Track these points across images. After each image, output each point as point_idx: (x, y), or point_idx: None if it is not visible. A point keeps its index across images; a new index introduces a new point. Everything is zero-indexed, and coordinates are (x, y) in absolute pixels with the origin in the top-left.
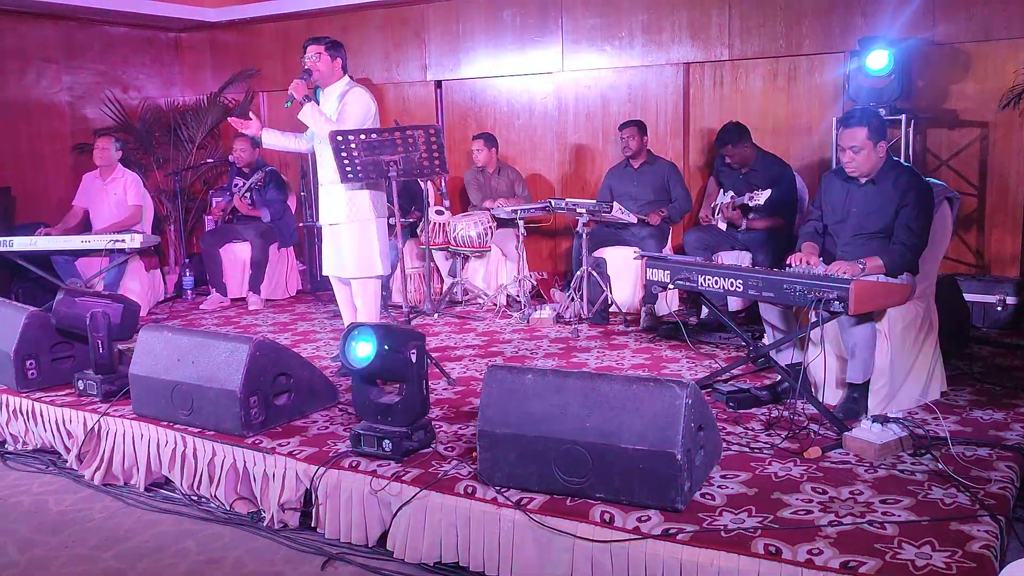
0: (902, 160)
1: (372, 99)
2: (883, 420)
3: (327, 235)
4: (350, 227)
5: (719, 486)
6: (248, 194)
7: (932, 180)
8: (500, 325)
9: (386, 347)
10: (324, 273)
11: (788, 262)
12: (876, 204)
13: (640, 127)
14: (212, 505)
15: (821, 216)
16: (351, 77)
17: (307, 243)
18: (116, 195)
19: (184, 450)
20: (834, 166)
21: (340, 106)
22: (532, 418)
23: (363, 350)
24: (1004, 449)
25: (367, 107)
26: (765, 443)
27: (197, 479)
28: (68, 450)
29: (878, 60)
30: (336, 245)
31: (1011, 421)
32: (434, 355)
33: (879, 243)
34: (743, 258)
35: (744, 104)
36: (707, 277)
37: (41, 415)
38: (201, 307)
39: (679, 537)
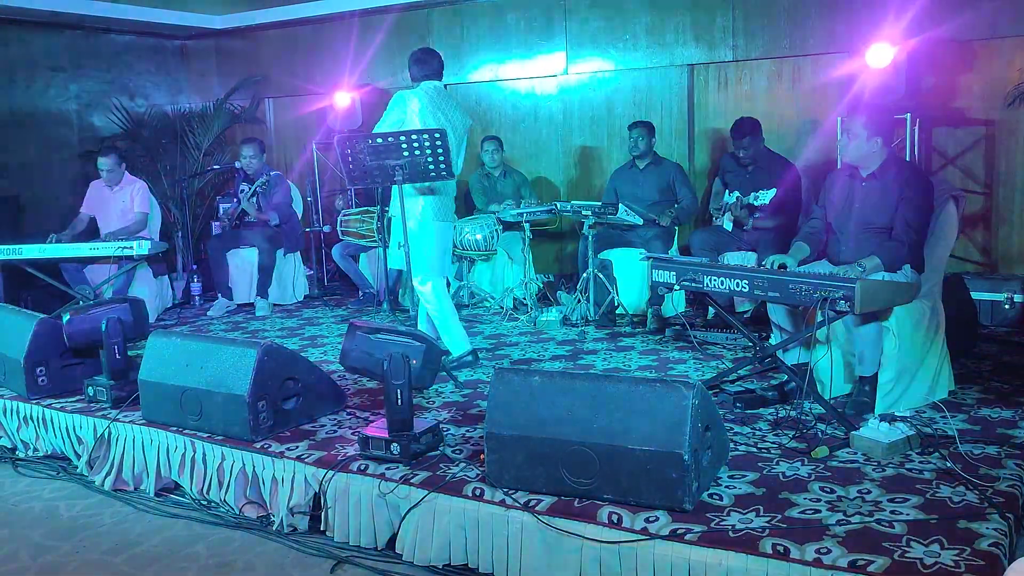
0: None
1: (409, 99)
2: (891, 419)
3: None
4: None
5: (727, 486)
6: (255, 199)
7: (937, 179)
8: (507, 328)
9: None
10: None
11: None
12: (878, 199)
13: (649, 128)
14: (222, 510)
15: (824, 215)
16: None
17: (313, 248)
18: (123, 203)
19: (193, 455)
20: (839, 166)
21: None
22: (539, 420)
23: None
24: (1012, 447)
25: (389, 108)
26: (772, 443)
27: (206, 484)
28: (78, 456)
29: (880, 56)
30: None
31: (1019, 419)
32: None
33: (882, 239)
34: (749, 258)
35: (749, 105)
36: (713, 278)
37: (51, 421)
38: (208, 313)
39: (687, 537)
